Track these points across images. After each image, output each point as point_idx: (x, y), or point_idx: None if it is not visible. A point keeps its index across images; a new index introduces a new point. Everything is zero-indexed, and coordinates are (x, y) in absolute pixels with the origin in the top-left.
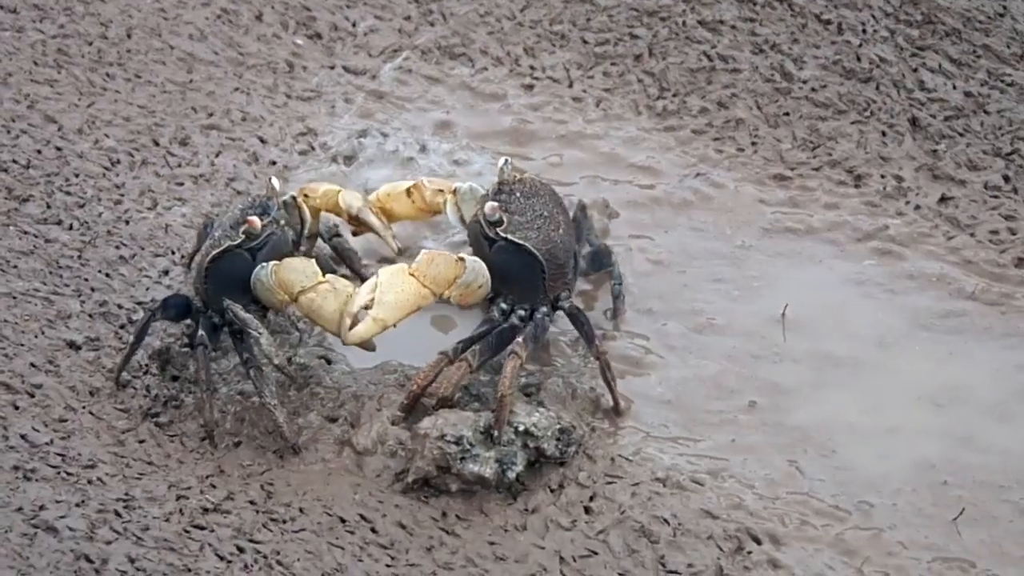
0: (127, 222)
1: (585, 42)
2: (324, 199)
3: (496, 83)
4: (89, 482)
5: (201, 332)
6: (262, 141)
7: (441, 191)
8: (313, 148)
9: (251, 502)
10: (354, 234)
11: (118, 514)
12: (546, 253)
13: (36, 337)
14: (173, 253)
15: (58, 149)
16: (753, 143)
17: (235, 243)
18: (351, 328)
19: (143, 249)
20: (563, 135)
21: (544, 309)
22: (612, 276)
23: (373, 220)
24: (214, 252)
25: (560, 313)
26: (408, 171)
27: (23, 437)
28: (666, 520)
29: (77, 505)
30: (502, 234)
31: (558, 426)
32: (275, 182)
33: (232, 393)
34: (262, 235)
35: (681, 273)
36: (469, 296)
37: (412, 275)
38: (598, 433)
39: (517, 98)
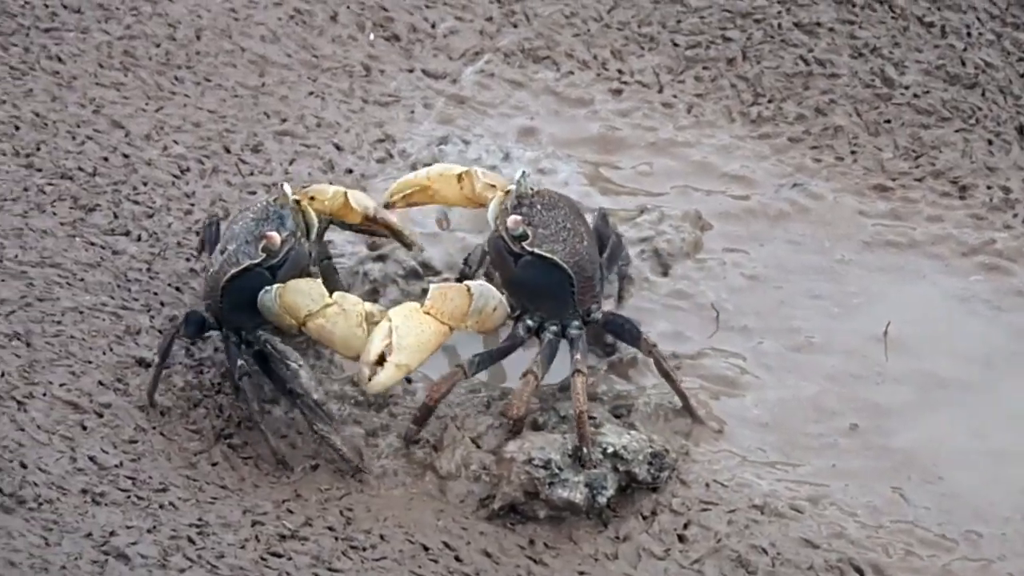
0: (198, 233)
1: (676, 45)
2: (333, 202)
3: (582, 88)
4: (161, 507)
5: (241, 361)
6: (338, 148)
7: (493, 187)
8: (391, 155)
9: (330, 528)
10: (370, 245)
11: (191, 540)
12: (574, 266)
13: (104, 354)
14: None
15: (125, 156)
16: (852, 152)
17: (255, 262)
18: (370, 378)
19: None
20: (653, 143)
21: (576, 323)
22: (620, 258)
23: (391, 218)
24: (232, 271)
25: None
26: None
27: (92, 459)
28: (764, 549)
29: (149, 531)
30: (528, 248)
31: (650, 449)
32: (287, 188)
33: None
34: (282, 251)
35: (777, 289)
36: (486, 321)
37: (428, 313)
38: (692, 457)
39: (604, 103)
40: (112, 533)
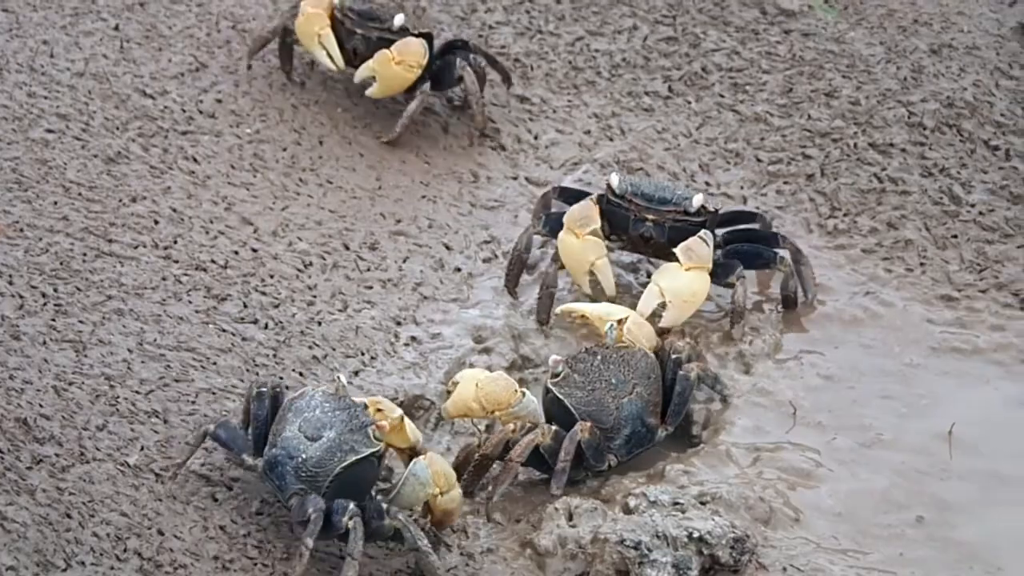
0: (319, 323)
1: (759, 160)
2: (391, 422)
3: None
4: (286, 574)
5: (352, 505)
6: (447, 248)
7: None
8: (496, 256)
9: None
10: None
11: None
12: (585, 414)
13: None
14: (363, 354)
15: (254, 250)
16: (921, 264)
17: (375, 450)
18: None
19: (334, 350)
20: None
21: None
22: (716, 390)
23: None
24: (351, 459)
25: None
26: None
27: (222, 528)
28: None
29: None
30: (548, 385)
31: (732, 534)
32: (343, 379)
33: None
34: (384, 440)
35: (850, 388)
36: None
37: (476, 385)
38: (770, 543)
39: None
40: None
